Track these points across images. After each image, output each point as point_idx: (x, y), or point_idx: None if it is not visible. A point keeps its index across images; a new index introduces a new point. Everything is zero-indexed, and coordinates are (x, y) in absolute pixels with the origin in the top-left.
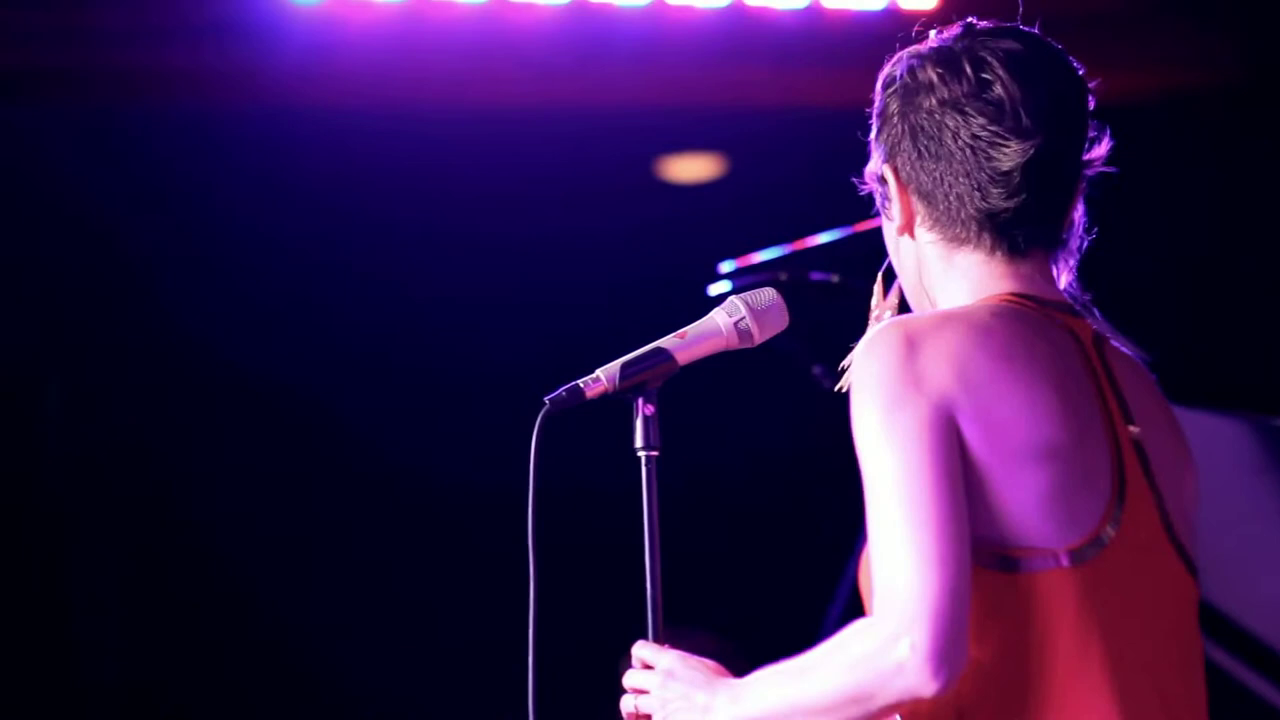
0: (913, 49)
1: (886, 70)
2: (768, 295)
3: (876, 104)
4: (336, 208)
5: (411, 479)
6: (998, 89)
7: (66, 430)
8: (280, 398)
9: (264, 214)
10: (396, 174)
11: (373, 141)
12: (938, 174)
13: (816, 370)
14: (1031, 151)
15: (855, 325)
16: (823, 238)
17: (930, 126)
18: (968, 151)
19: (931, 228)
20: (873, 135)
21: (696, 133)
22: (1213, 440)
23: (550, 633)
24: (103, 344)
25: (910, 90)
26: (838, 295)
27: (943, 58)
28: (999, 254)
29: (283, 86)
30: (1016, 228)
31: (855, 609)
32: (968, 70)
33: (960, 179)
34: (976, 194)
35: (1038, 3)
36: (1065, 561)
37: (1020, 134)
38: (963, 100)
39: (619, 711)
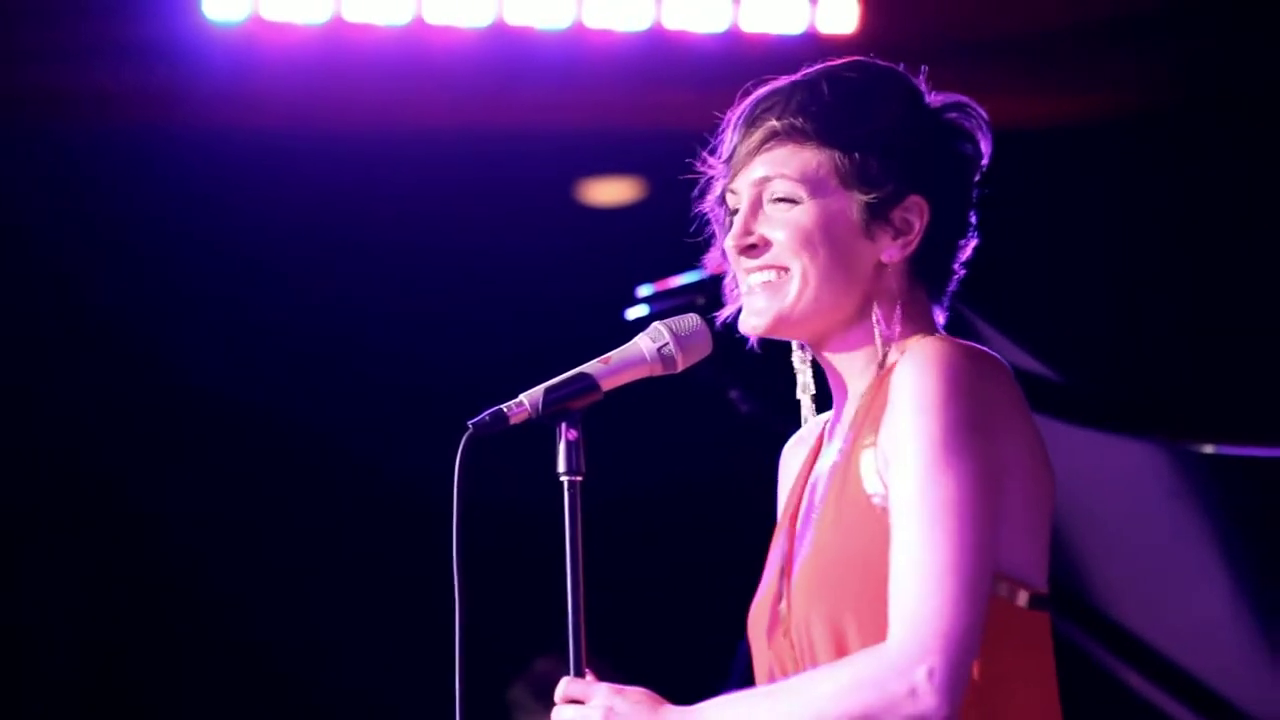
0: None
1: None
2: (692, 321)
3: (886, 109)
4: (257, 227)
5: (340, 500)
6: (985, 153)
7: (34, 448)
8: (208, 404)
9: (185, 231)
10: (316, 194)
11: (293, 161)
12: (958, 229)
13: (734, 394)
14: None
15: (771, 349)
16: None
17: (967, 176)
18: (970, 215)
19: (912, 262)
20: (874, 142)
21: (616, 155)
22: (1135, 465)
23: (477, 654)
24: (44, 365)
25: (937, 118)
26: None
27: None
28: (934, 297)
29: (203, 107)
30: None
31: None
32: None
33: (960, 239)
34: (957, 257)
35: (970, 30)
36: (1040, 605)
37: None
38: (976, 162)
39: None
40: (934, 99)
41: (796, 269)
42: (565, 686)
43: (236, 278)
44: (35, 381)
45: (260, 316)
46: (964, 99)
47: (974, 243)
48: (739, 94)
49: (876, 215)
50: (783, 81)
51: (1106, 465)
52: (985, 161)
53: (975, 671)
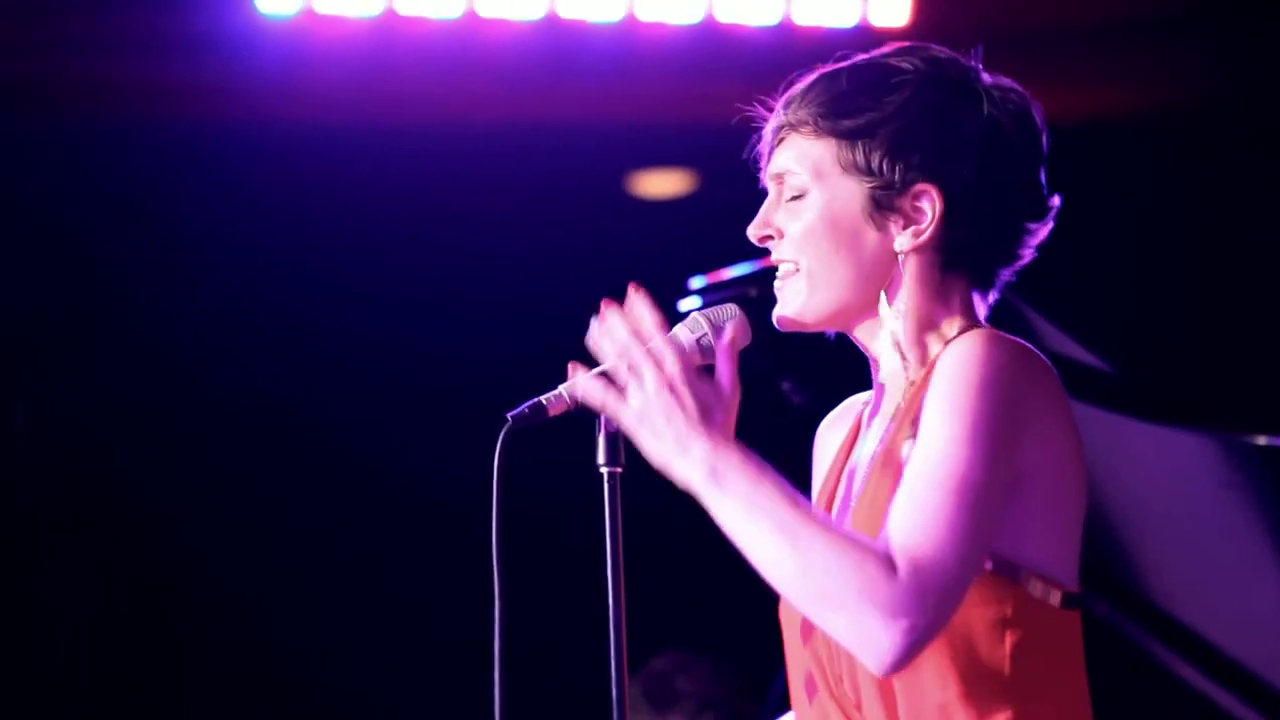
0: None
1: (915, 64)
2: (729, 311)
3: (897, 97)
4: (308, 221)
5: (379, 488)
6: (1030, 139)
7: (36, 446)
8: (254, 410)
9: (235, 227)
10: (367, 188)
11: (344, 156)
12: (987, 217)
13: (785, 385)
14: (1043, 219)
15: (823, 340)
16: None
17: (993, 163)
18: (1012, 205)
19: (940, 251)
20: (881, 130)
21: (668, 148)
22: (1187, 458)
23: (518, 648)
24: (73, 359)
25: (957, 105)
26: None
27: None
28: (979, 291)
29: (254, 100)
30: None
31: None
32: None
33: (1000, 228)
34: (1004, 247)
35: (1007, 20)
36: (1071, 605)
37: (1042, 201)
38: (1017, 148)
39: None
40: (978, 81)
41: (804, 264)
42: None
43: (286, 274)
44: (84, 395)
45: (311, 314)
46: (1011, 85)
47: (1043, 229)
48: (782, 86)
49: (881, 204)
50: (814, 73)
51: (1158, 457)
52: (1032, 147)
53: (1006, 669)
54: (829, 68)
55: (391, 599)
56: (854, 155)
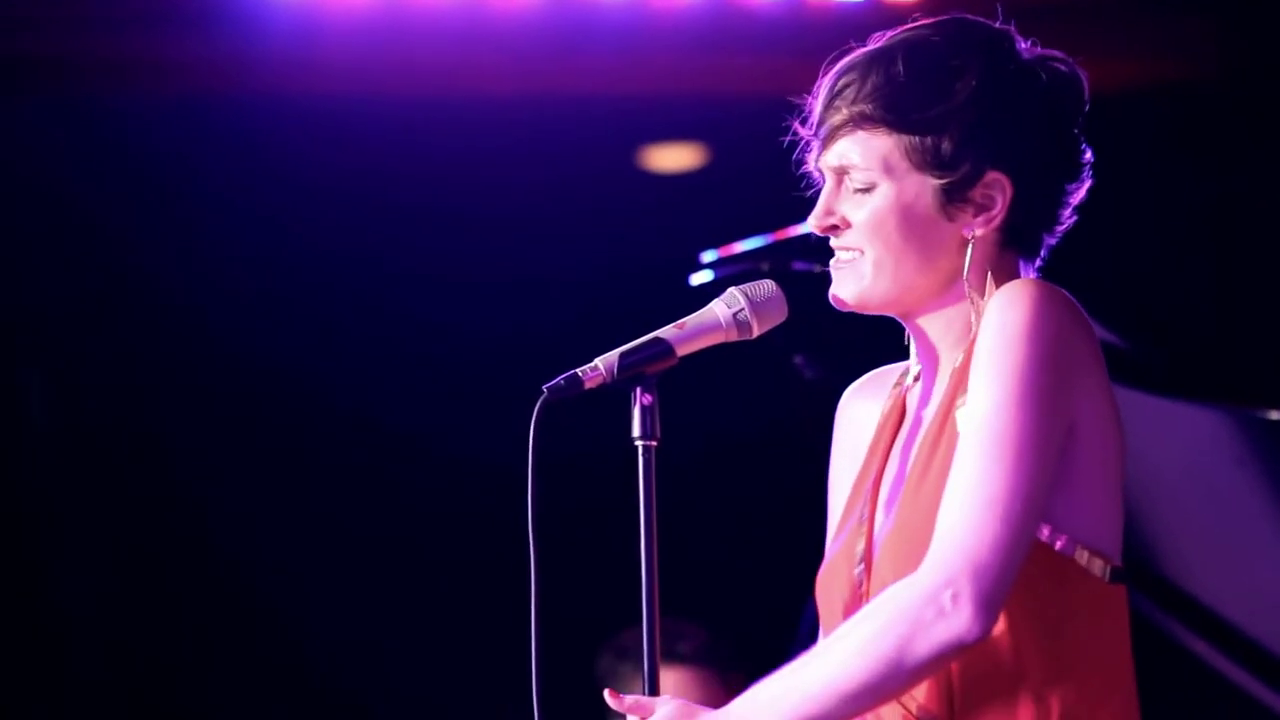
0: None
1: (982, 53)
2: (767, 287)
3: (955, 87)
4: (320, 195)
5: (403, 466)
6: (1079, 112)
7: (54, 426)
8: (270, 385)
9: (252, 202)
10: (378, 161)
11: (357, 129)
12: (1049, 197)
13: (798, 360)
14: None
15: (837, 315)
16: (805, 227)
17: (1053, 142)
18: (1065, 181)
19: (1002, 231)
20: (948, 124)
21: (679, 121)
22: (1202, 433)
23: (551, 621)
24: (88, 335)
25: (1012, 85)
26: (821, 285)
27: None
28: (1027, 257)
29: (268, 74)
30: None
31: None
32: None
33: (1054, 204)
34: (1054, 221)
35: None
36: (1120, 578)
37: (1084, 174)
38: (1067, 124)
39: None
40: (1025, 55)
41: (872, 253)
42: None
43: (296, 247)
44: (99, 372)
45: (328, 288)
46: (1056, 54)
47: (1080, 191)
48: (825, 70)
49: (954, 197)
50: (861, 54)
51: (1175, 432)
52: (1077, 112)
53: (1056, 642)
54: (875, 49)
55: (425, 574)
56: (924, 150)
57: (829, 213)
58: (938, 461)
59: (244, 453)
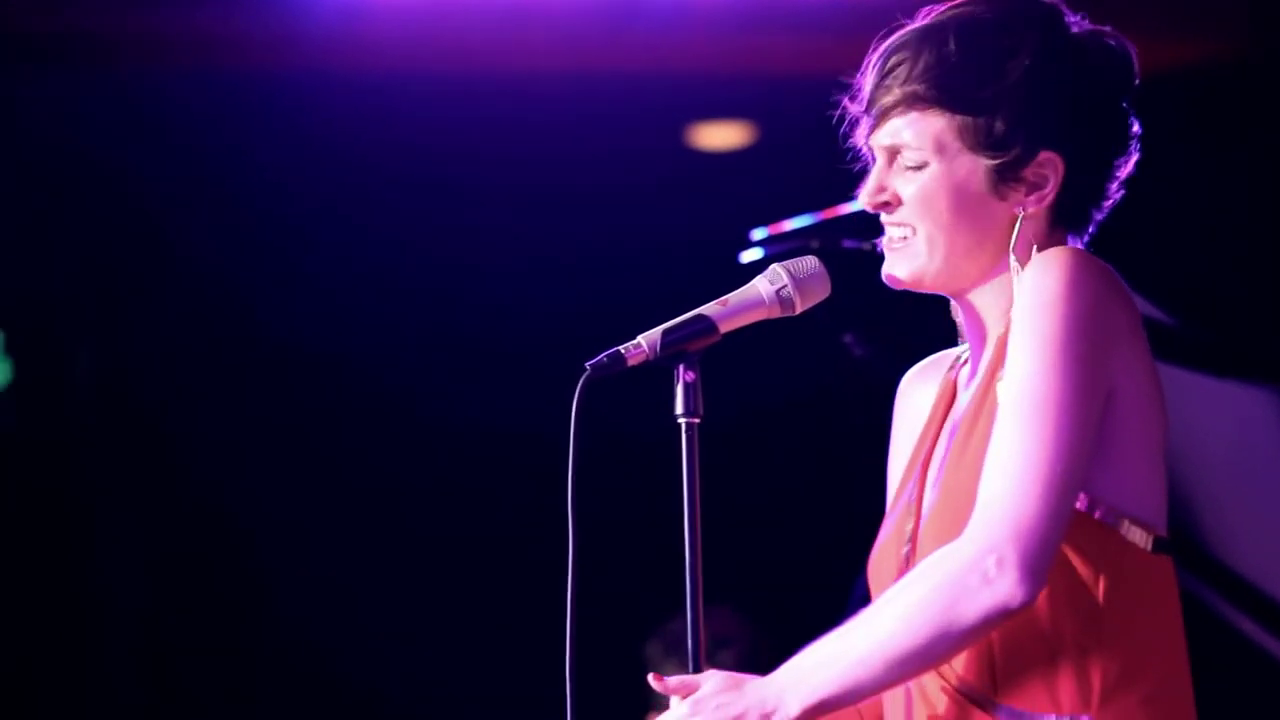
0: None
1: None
2: (810, 263)
3: (1006, 67)
4: (368, 172)
5: (451, 447)
6: (1128, 89)
7: (97, 400)
8: (316, 365)
9: (296, 179)
10: (425, 139)
11: (403, 106)
12: (1101, 175)
13: (847, 338)
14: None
15: (887, 293)
16: (854, 205)
17: (1105, 119)
18: (1114, 157)
19: (1053, 208)
20: (1000, 105)
21: (729, 100)
22: (1247, 411)
23: (588, 599)
24: (135, 313)
25: (1063, 64)
26: (870, 263)
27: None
28: (1076, 231)
29: (314, 51)
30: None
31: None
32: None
33: (1104, 181)
34: (1103, 196)
35: None
36: (1166, 549)
37: (1131, 150)
38: (1118, 101)
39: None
40: (1076, 30)
41: (924, 231)
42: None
43: (348, 223)
44: (146, 350)
45: (368, 265)
46: (1105, 30)
47: (1128, 165)
48: (874, 46)
49: (1006, 177)
50: (913, 32)
51: (1223, 412)
52: (1125, 87)
53: (1100, 615)
54: (926, 26)
55: (464, 551)
56: (976, 130)
57: (880, 189)
58: (978, 434)
59: (283, 433)
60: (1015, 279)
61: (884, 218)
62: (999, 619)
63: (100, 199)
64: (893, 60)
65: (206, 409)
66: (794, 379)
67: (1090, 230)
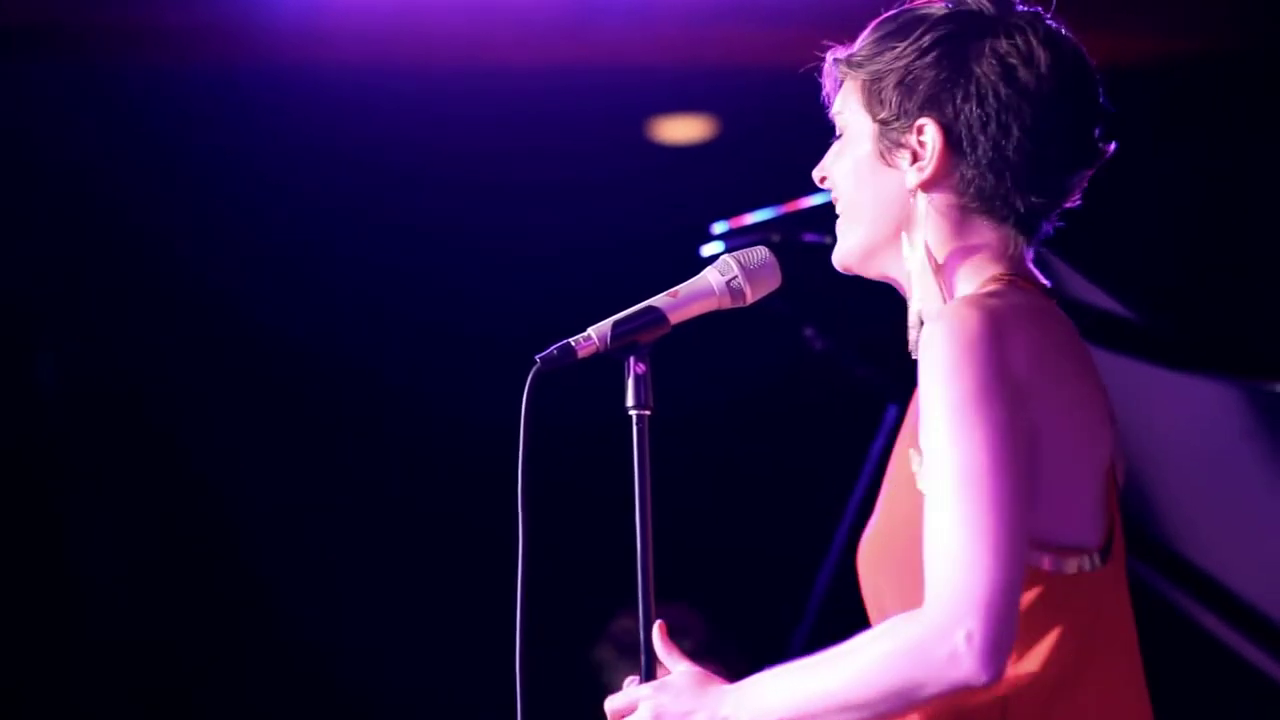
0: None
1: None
2: (760, 254)
3: (913, 39)
4: (334, 164)
5: (408, 432)
6: (1057, 78)
7: (62, 398)
8: (288, 357)
9: (264, 172)
10: (389, 132)
11: (366, 100)
12: (996, 152)
13: (808, 332)
14: (1085, 160)
15: (847, 287)
16: (815, 199)
17: (1003, 99)
18: (1029, 141)
19: (958, 192)
20: (893, 69)
21: (690, 93)
22: (1209, 406)
23: (541, 592)
24: (104, 308)
25: (970, 46)
26: (830, 257)
27: (1011, 30)
28: (1014, 234)
29: (280, 43)
30: (1043, 219)
31: (842, 580)
32: (1040, 55)
33: (1016, 164)
34: (1027, 184)
35: None
36: (1100, 562)
37: (1081, 142)
38: (1036, 86)
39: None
40: (1017, 27)
41: (841, 207)
42: (609, 703)
43: (312, 218)
44: (111, 341)
45: (339, 257)
46: (1057, 31)
47: (1079, 179)
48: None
49: (888, 138)
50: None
51: (1180, 405)
52: (1067, 94)
53: (1034, 645)
54: (895, 13)
55: (418, 539)
56: (869, 94)
57: (821, 165)
58: (899, 501)
59: (256, 425)
60: (908, 258)
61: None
62: (958, 694)
63: (64, 194)
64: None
65: (180, 404)
66: (753, 373)
67: (1037, 234)
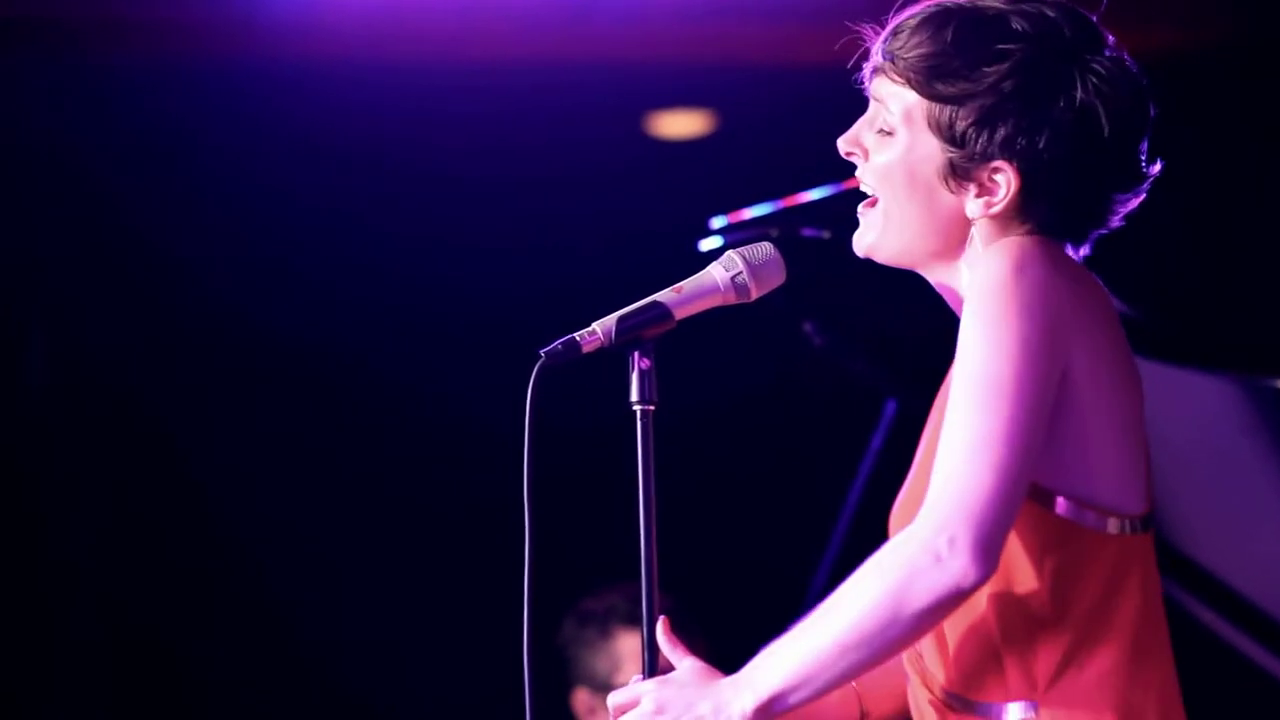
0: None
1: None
2: (765, 250)
3: (991, 73)
4: (328, 158)
5: (408, 425)
6: (1129, 124)
7: (53, 391)
8: (275, 349)
9: (253, 165)
10: (384, 127)
11: (361, 94)
12: (1065, 192)
13: (807, 327)
14: (1137, 189)
15: (847, 282)
16: (814, 194)
17: (1080, 144)
18: (1094, 183)
19: (1019, 222)
20: (970, 104)
21: (689, 88)
22: (1209, 402)
23: (548, 583)
24: (90, 297)
25: (1048, 82)
26: (829, 252)
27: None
28: (1069, 241)
29: (275, 38)
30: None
31: (843, 575)
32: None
33: (1080, 202)
34: (1086, 215)
35: None
36: (1140, 527)
37: (1139, 176)
38: (1109, 132)
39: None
40: (1092, 57)
41: (883, 203)
42: (612, 698)
43: (299, 211)
44: (101, 334)
45: (335, 251)
46: (1120, 55)
47: (1132, 201)
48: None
49: (958, 172)
50: (927, 7)
51: (1180, 400)
52: (1130, 121)
53: (1050, 603)
54: (940, 8)
55: (420, 536)
56: (941, 118)
57: (855, 141)
58: (934, 423)
59: (243, 415)
60: (966, 275)
61: (858, 173)
62: (952, 600)
63: (56, 187)
64: (897, 28)
65: (173, 400)
66: (754, 368)
67: (1087, 242)
